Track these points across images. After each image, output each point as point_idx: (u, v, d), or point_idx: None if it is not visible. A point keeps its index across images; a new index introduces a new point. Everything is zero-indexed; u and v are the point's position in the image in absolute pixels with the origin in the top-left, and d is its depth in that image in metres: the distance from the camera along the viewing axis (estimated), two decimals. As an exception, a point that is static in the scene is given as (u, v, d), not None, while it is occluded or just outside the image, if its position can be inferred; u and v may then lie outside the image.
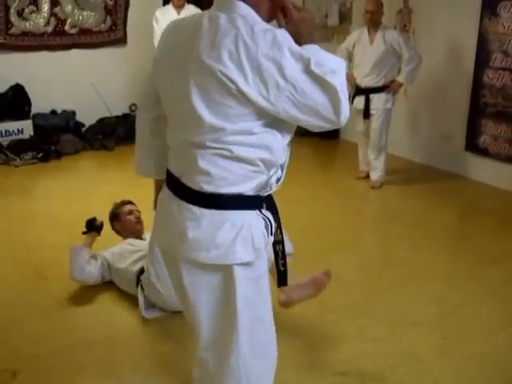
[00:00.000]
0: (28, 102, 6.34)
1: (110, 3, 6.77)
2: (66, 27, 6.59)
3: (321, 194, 5.03)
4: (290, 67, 1.43)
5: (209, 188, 1.53)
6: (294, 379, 2.48)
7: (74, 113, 6.62)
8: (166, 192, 1.68)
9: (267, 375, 1.72)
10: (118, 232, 3.49)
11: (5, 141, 6.06)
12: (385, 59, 4.92)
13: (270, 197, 1.66)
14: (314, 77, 1.44)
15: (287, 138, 1.60)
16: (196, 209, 1.55)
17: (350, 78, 5.09)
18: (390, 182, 5.23)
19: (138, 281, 2.99)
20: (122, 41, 6.91)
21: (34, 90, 6.27)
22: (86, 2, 6.63)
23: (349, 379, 2.50)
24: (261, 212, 1.61)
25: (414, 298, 3.20)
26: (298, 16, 1.56)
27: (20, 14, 6.30)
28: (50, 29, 6.49)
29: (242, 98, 1.44)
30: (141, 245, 3.21)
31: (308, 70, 1.44)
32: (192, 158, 1.54)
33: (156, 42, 5.58)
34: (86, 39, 6.72)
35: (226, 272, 1.58)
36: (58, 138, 6.20)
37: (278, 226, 1.72)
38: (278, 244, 1.72)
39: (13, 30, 6.31)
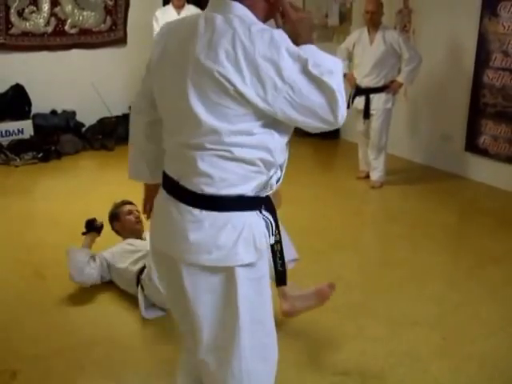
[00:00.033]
0: (28, 102, 6.35)
1: (110, 3, 6.78)
2: (66, 27, 6.59)
3: (321, 194, 5.03)
4: (288, 68, 1.43)
5: (209, 190, 1.53)
6: (294, 379, 2.48)
7: (74, 113, 6.62)
8: (162, 194, 1.67)
9: (268, 376, 1.72)
10: (117, 232, 3.49)
11: (5, 141, 6.06)
12: (385, 59, 4.92)
13: (268, 197, 1.66)
14: (311, 77, 1.44)
15: (286, 138, 1.60)
16: (197, 211, 1.54)
17: (350, 79, 5.10)
18: (390, 182, 5.23)
19: (138, 280, 3.00)
20: (122, 41, 6.92)
21: (34, 90, 6.27)
22: (86, 2, 6.63)
23: (349, 379, 2.50)
24: (261, 213, 1.61)
25: (414, 298, 3.20)
26: (296, 16, 1.55)
27: (20, 14, 6.30)
28: (50, 29, 6.49)
29: (240, 98, 1.44)
30: (141, 245, 3.21)
31: (305, 71, 1.44)
32: (191, 161, 1.53)
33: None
34: (86, 39, 6.72)
35: (227, 273, 1.57)
36: (58, 138, 6.20)
37: (276, 227, 1.72)
38: (276, 244, 1.72)
39: (13, 30, 6.31)
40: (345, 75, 5.11)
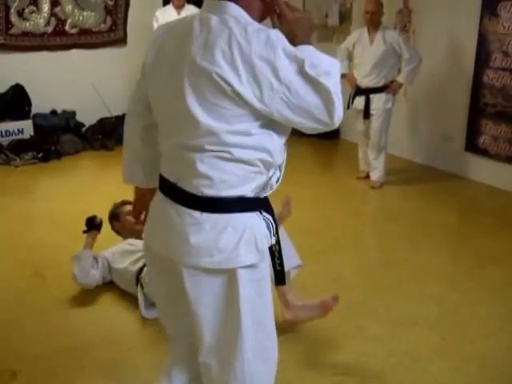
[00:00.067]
0: (28, 102, 6.35)
1: (111, 3, 6.78)
2: (67, 27, 6.59)
3: (321, 194, 5.03)
4: (284, 68, 1.42)
5: (210, 192, 1.52)
6: (294, 379, 2.48)
7: (74, 113, 6.63)
8: (159, 197, 1.65)
9: (268, 377, 1.72)
10: (117, 232, 3.49)
11: (5, 141, 6.07)
12: (385, 59, 4.92)
13: (267, 198, 1.65)
14: (307, 78, 1.44)
15: (284, 139, 1.60)
16: (197, 213, 1.53)
17: (351, 79, 5.10)
18: (390, 182, 5.23)
19: (138, 279, 3.00)
20: (122, 41, 6.92)
21: (35, 90, 6.27)
22: (86, 2, 6.63)
23: (349, 379, 2.50)
24: (261, 213, 1.61)
25: (413, 298, 3.20)
26: (292, 16, 1.54)
27: (20, 14, 6.30)
28: (50, 29, 6.49)
29: (238, 98, 1.43)
30: (141, 245, 3.20)
31: (302, 72, 1.44)
32: (190, 162, 1.52)
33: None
34: (86, 39, 6.73)
35: (229, 274, 1.56)
36: (58, 138, 6.20)
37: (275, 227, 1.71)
38: (274, 244, 1.71)
39: (13, 30, 6.31)
40: (345, 75, 5.11)
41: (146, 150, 1.81)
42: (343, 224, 4.33)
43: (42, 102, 6.37)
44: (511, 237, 4.06)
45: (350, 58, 5.17)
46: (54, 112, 6.55)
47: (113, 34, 6.88)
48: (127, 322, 2.96)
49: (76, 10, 6.60)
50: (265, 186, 1.60)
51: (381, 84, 4.97)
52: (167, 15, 5.92)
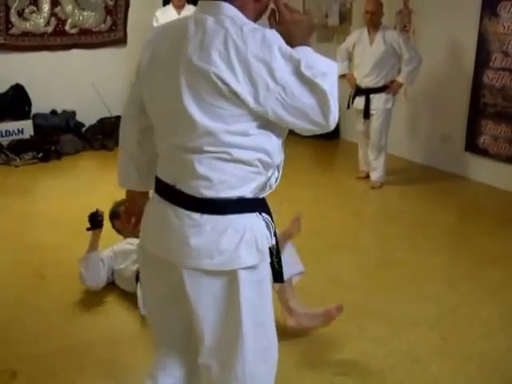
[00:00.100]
0: (28, 102, 6.35)
1: (111, 3, 6.78)
2: (67, 27, 6.60)
3: (321, 195, 5.03)
4: (280, 69, 1.42)
5: (209, 193, 1.51)
6: (294, 379, 2.48)
7: (74, 113, 6.63)
8: (156, 199, 1.64)
9: (268, 377, 1.72)
10: (118, 231, 3.49)
11: (5, 141, 6.07)
12: (385, 59, 4.92)
13: (265, 199, 1.65)
14: (303, 79, 1.44)
15: (282, 139, 1.60)
16: (197, 215, 1.52)
17: (351, 79, 5.10)
18: (390, 183, 5.23)
19: (138, 278, 3.00)
20: (122, 41, 6.92)
21: (35, 90, 6.27)
22: (86, 2, 6.63)
23: (349, 379, 2.50)
24: (261, 214, 1.61)
25: (413, 298, 3.20)
26: (290, 17, 1.54)
27: (20, 14, 6.31)
28: (50, 29, 6.49)
29: (235, 98, 1.43)
30: (141, 244, 3.21)
31: (298, 72, 1.43)
32: (188, 164, 1.51)
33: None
34: (87, 39, 6.73)
35: (230, 276, 1.56)
36: (58, 138, 6.20)
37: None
38: (273, 244, 1.71)
39: (13, 31, 6.31)
40: (345, 75, 5.12)
41: (142, 153, 1.80)
42: (343, 224, 4.33)
43: (42, 102, 6.37)
44: (511, 237, 4.06)
45: (349, 58, 5.17)
46: (54, 112, 6.56)
47: (113, 34, 6.89)
48: (127, 322, 2.96)
49: (76, 10, 6.60)
50: (264, 187, 1.60)
51: (381, 84, 4.97)
52: (167, 15, 5.92)
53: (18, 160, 5.85)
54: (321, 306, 2.95)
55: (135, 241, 3.28)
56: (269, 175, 1.59)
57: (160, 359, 1.84)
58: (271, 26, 1.56)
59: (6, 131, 6.14)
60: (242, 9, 1.53)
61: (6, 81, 6.20)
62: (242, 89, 1.42)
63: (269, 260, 1.63)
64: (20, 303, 3.14)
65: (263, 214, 1.61)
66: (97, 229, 3.27)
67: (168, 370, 1.83)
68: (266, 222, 1.61)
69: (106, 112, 6.55)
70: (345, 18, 6.69)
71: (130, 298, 3.11)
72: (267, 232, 1.61)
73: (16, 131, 6.17)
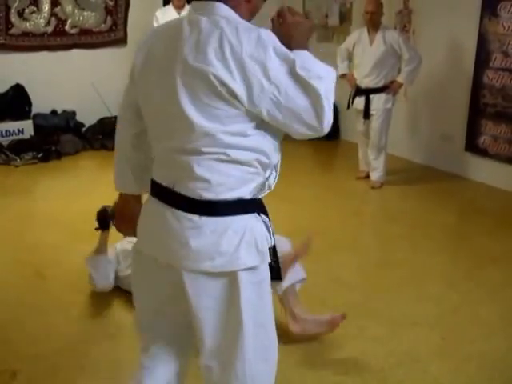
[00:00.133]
0: (28, 102, 6.35)
1: (111, 3, 6.78)
2: (67, 27, 6.60)
3: (321, 194, 5.03)
4: (274, 68, 1.42)
5: (208, 195, 1.51)
6: (294, 379, 2.48)
7: (74, 113, 6.63)
8: (152, 202, 1.63)
9: (269, 377, 1.73)
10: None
11: (5, 141, 6.07)
12: (385, 60, 4.92)
13: (262, 200, 1.65)
14: (297, 79, 1.43)
15: (278, 139, 1.60)
16: (196, 217, 1.52)
17: (351, 79, 5.11)
18: (390, 183, 5.23)
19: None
20: (122, 41, 6.92)
21: (35, 90, 6.28)
22: (86, 3, 6.63)
23: (349, 379, 2.50)
24: (259, 215, 1.61)
25: (413, 298, 3.20)
26: (292, 19, 1.54)
27: (20, 14, 6.31)
28: (50, 29, 6.50)
29: (232, 98, 1.43)
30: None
31: (292, 72, 1.43)
32: (186, 166, 1.51)
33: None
34: (87, 39, 6.73)
35: (230, 277, 1.56)
36: (58, 138, 6.21)
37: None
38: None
39: (13, 31, 6.31)
40: (345, 75, 5.13)
41: (138, 157, 1.79)
42: (343, 224, 4.33)
43: (42, 102, 6.37)
44: (511, 237, 4.07)
45: (349, 58, 5.17)
46: (54, 112, 6.56)
47: (113, 34, 6.89)
48: (127, 322, 2.96)
49: (76, 10, 6.60)
50: (262, 187, 1.60)
51: (381, 84, 4.97)
52: (167, 15, 5.92)
53: (18, 160, 5.85)
54: (321, 307, 2.97)
55: (135, 239, 3.28)
56: (267, 175, 1.59)
57: (146, 363, 1.84)
58: (273, 29, 1.56)
59: (6, 131, 6.14)
60: (236, 9, 1.53)
61: (6, 81, 6.21)
62: (239, 88, 1.42)
63: (268, 261, 1.63)
64: (20, 303, 3.14)
65: (262, 215, 1.61)
66: (105, 229, 3.23)
67: (154, 374, 1.83)
68: (265, 223, 1.61)
69: (106, 112, 6.55)
70: (345, 18, 6.70)
71: (130, 297, 3.09)
72: (266, 233, 1.61)
73: (16, 131, 6.18)
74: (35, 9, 6.36)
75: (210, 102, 1.44)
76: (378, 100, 5.01)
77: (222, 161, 1.49)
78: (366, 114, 5.06)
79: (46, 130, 6.27)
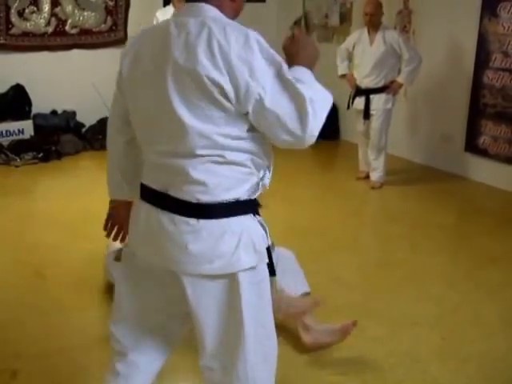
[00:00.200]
0: (28, 102, 6.35)
1: (111, 4, 6.78)
2: (67, 27, 6.59)
3: (321, 195, 5.04)
4: (261, 69, 1.42)
5: (205, 198, 1.50)
6: (294, 379, 2.48)
7: (74, 113, 6.62)
8: (144, 207, 1.61)
9: (269, 377, 1.73)
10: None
11: (5, 141, 6.07)
12: (385, 60, 4.92)
13: (257, 200, 1.65)
14: (284, 82, 1.43)
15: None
16: (193, 221, 1.51)
17: (351, 79, 5.11)
18: (390, 183, 5.23)
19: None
20: (122, 41, 6.90)
21: (35, 90, 6.27)
22: (86, 3, 6.63)
23: (349, 379, 2.50)
24: (255, 215, 1.61)
25: (413, 298, 3.20)
26: (302, 36, 1.57)
27: (21, 14, 6.30)
28: (50, 29, 6.49)
29: (223, 98, 1.43)
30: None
31: (279, 75, 1.43)
32: (180, 169, 1.50)
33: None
34: (87, 39, 6.73)
35: (229, 279, 1.56)
36: (58, 138, 6.20)
37: None
38: None
39: (13, 31, 6.31)
40: (345, 75, 5.14)
41: (129, 163, 1.80)
42: (343, 224, 4.33)
43: (42, 102, 6.37)
44: (511, 237, 4.07)
45: (349, 58, 5.17)
46: (54, 112, 6.55)
47: (113, 34, 6.89)
48: (127, 322, 2.96)
49: (76, 11, 6.60)
50: (257, 187, 1.59)
51: (381, 84, 4.97)
52: (167, 15, 5.88)
53: (18, 160, 5.84)
54: (321, 307, 2.95)
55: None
56: (261, 175, 1.59)
57: (121, 369, 1.86)
58: (284, 47, 1.59)
59: (6, 131, 6.14)
60: (220, 8, 1.54)
61: (6, 81, 6.20)
62: (228, 87, 1.42)
63: (266, 260, 1.63)
64: (20, 303, 3.14)
65: (257, 216, 1.61)
66: None
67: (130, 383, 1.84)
68: (261, 223, 1.61)
69: (106, 112, 6.46)
70: (345, 18, 6.69)
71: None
72: (263, 233, 1.61)
73: (16, 131, 6.17)
74: (35, 9, 6.35)
75: (201, 103, 1.44)
76: (377, 100, 5.01)
77: (218, 162, 1.49)
78: (366, 114, 5.07)
79: (46, 130, 6.27)
